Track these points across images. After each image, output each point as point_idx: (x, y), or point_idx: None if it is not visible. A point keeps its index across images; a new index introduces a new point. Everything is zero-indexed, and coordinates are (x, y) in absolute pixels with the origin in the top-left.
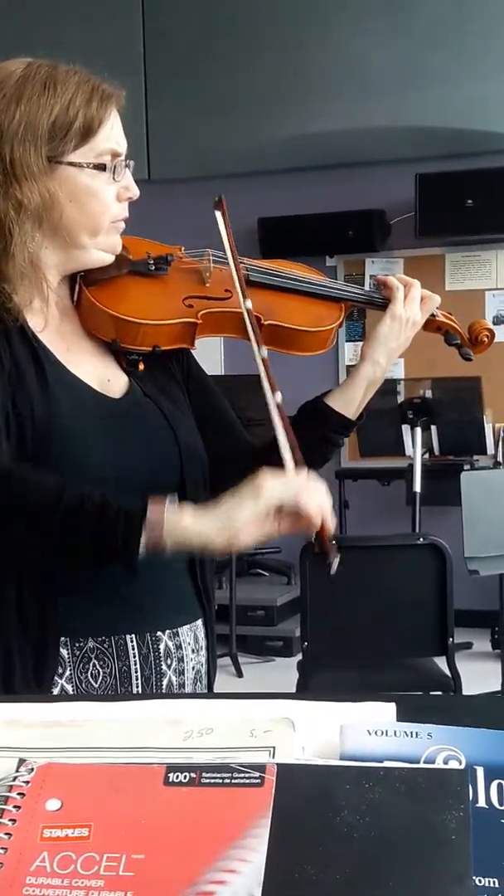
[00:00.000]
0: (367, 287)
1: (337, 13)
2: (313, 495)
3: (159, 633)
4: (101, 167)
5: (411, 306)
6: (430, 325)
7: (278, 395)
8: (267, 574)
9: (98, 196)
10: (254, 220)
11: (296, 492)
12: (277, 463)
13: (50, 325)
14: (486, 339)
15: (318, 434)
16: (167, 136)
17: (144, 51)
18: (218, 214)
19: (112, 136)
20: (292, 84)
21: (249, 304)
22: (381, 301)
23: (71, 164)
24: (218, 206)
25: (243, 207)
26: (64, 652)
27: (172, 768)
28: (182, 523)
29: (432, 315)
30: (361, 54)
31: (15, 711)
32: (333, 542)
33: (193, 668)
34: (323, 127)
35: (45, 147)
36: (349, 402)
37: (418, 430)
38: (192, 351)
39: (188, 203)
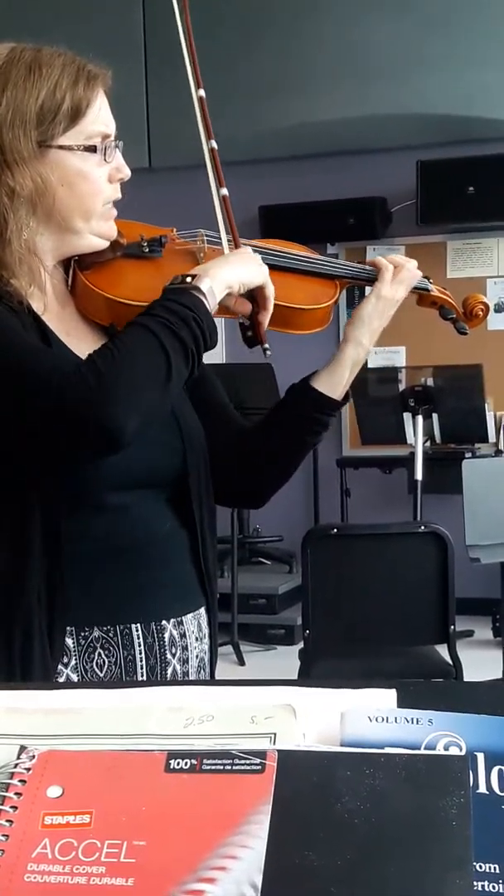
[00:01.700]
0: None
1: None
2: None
3: (164, 621)
4: (91, 149)
5: (400, 287)
6: (425, 300)
7: (224, 190)
8: (269, 562)
9: (89, 178)
10: (255, 208)
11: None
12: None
13: (49, 309)
14: (480, 313)
15: (306, 416)
16: (168, 124)
17: (145, 39)
18: None
19: (100, 117)
20: (293, 71)
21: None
22: (367, 277)
23: (61, 147)
24: None
25: (244, 195)
26: (69, 641)
27: (173, 755)
28: (221, 279)
29: (427, 290)
30: (362, 41)
31: (16, 699)
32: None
33: (197, 657)
34: (324, 114)
35: (34, 132)
36: (335, 383)
37: (420, 419)
38: None
39: (190, 191)
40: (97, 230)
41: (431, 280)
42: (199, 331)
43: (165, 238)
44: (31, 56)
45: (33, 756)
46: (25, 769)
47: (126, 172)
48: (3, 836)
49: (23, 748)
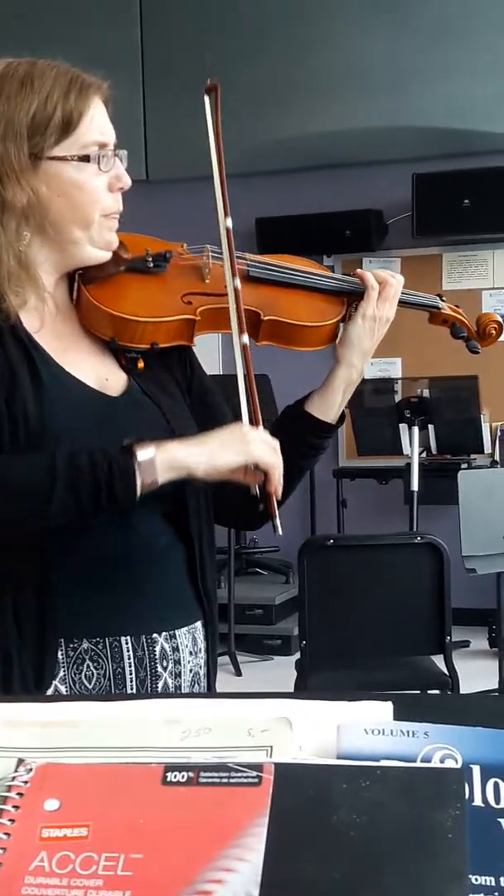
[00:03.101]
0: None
1: (335, 13)
2: (279, 461)
3: (155, 634)
4: (85, 159)
5: (386, 305)
6: (437, 318)
7: (245, 337)
8: (265, 573)
9: (85, 188)
10: (251, 221)
11: (275, 459)
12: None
13: (46, 324)
14: (493, 332)
15: (302, 440)
16: (165, 136)
17: (142, 51)
18: (207, 101)
19: (95, 126)
20: (290, 84)
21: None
22: (359, 292)
23: (54, 158)
24: (210, 91)
25: (241, 207)
26: (58, 653)
27: (170, 768)
28: (171, 456)
29: (438, 308)
30: (359, 54)
31: (13, 712)
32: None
33: (191, 671)
34: (320, 127)
35: (26, 144)
36: (329, 407)
37: (416, 430)
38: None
39: (186, 203)
40: (96, 240)
41: (444, 298)
42: (105, 491)
43: (171, 253)
44: (24, 70)
45: (31, 769)
46: (23, 782)
47: (126, 181)
48: (1, 849)
49: (20, 761)
